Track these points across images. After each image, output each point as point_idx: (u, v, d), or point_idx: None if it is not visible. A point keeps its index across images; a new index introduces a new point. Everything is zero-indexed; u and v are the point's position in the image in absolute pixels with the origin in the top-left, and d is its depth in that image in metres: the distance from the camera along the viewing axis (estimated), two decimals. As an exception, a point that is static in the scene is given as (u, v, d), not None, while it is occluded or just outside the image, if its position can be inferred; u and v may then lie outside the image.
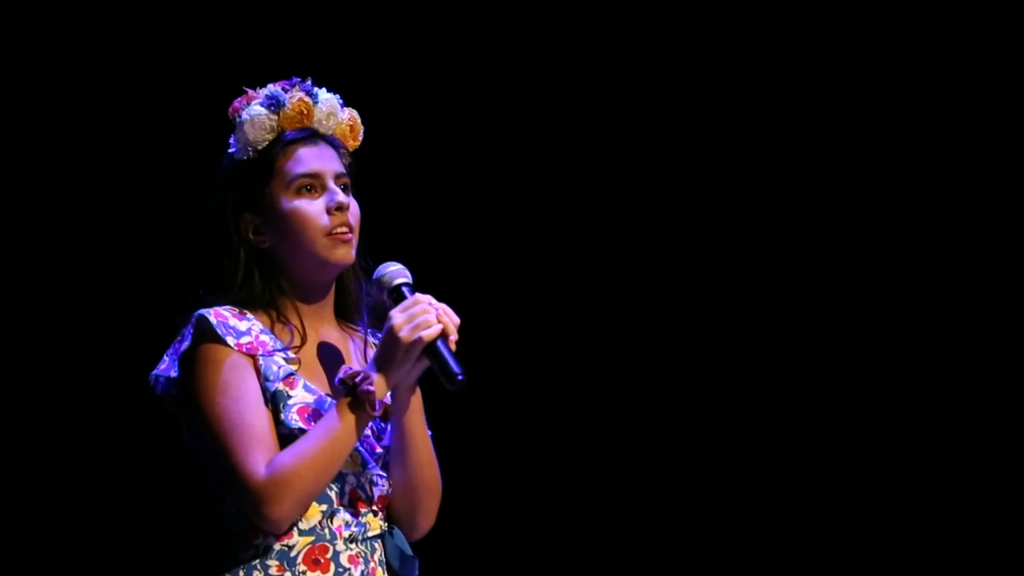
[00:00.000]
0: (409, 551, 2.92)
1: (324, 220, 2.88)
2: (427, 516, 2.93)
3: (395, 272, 2.87)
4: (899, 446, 4.82)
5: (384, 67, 4.71)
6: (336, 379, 2.80)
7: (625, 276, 4.93)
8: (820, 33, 4.83)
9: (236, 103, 2.98)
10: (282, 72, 4.51)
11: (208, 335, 2.81)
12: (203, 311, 2.84)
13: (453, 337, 2.78)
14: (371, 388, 2.75)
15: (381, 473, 2.90)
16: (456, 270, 4.24)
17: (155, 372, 2.88)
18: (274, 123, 2.93)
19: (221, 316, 2.84)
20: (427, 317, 2.77)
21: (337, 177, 2.92)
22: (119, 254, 4.52)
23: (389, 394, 2.82)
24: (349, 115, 3.01)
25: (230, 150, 2.96)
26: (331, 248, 2.88)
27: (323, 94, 2.98)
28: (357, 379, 2.76)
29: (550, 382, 4.90)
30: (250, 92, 2.99)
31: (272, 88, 2.97)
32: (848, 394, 4.86)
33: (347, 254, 2.90)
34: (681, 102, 4.91)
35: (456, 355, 2.76)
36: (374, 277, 2.88)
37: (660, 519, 4.91)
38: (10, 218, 4.41)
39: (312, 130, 2.95)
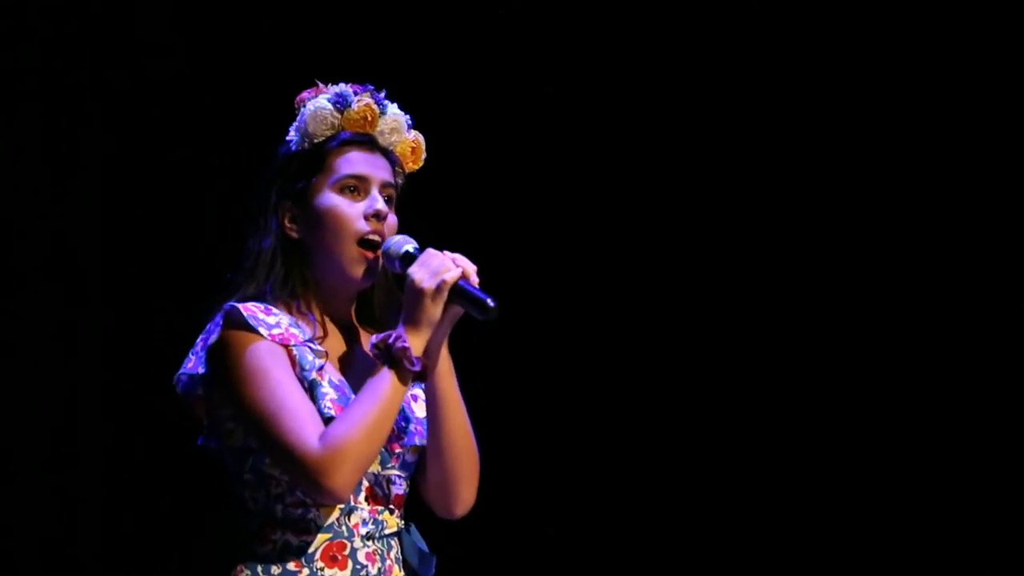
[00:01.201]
0: (426, 548, 2.93)
1: (360, 224, 2.89)
2: (469, 486, 2.93)
3: (400, 240, 2.89)
4: (899, 446, 4.84)
5: (386, 67, 4.71)
6: (370, 345, 2.80)
7: (627, 276, 4.94)
8: (820, 33, 4.85)
9: (304, 94, 2.98)
10: (282, 72, 4.53)
11: (239, 325, 2.81)
12: (233, 303, 2.83)
13: (474, 279, 2.81)
14: (406, 344, 2.76)
15: (400, 473, 2.91)
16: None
17: (179, 371, 2.88)
18: (336, 121, 2.93)
19: (250, 310, 2.84)
20: (445, 263, 2.79)
21: (383, 186, 2.93)
22: (119, 254, 4.51)
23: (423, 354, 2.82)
24: (414, 136, 3.02)
25: (287, 138, 2.96)
26: (356, 262, 2.89)
27: (392, 108, 2.99)
28: (391, 340, 2.77)
29: (551, 383, 4.92)
30: (320, 86, 2.98)
31: (343, 87, 2.97)
32: (848, 394, 4.87)
33: (369, 276, 2.91)
34: (683, 103, 4.93)
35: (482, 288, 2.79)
36: (382, 250, 2.89)
37: (661, 519, 4.92)
38: (10, 218, 4.41)
39: (371, 137, 2.96)
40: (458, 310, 2.82)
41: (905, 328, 4.86)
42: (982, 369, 4.81)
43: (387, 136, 2.98)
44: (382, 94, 2.99)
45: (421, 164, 3.04)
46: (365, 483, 2.86)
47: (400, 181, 2.99)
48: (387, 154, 2.97)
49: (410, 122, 3.01)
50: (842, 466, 4.86)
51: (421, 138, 3.03)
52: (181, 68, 4.56)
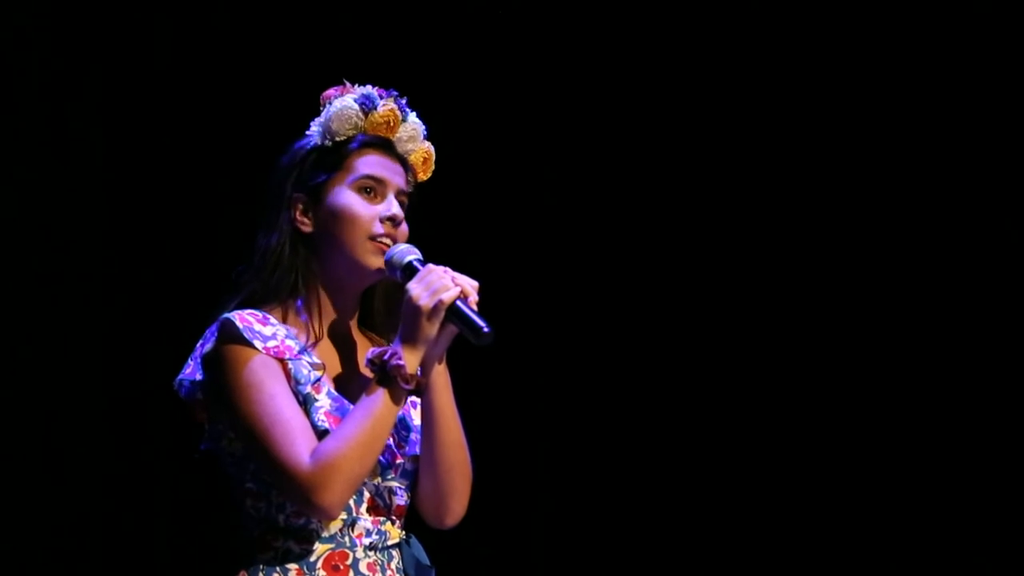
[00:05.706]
0: (426, 560, 2.92)
1: (374, 226, 2.89)
2: (461, 499, 2.92)
3: (404, 250, 2.88)
4: (899, 446, 4.85)
5: (389, 67, 4.70)
6: (366, 360, 2.80)
7: (627, 278, 4.95)
8: (820, 33, 4.86)
9: (331, 90, 2.98)
10: (282, 73, 4.54)
11: (234, 338, 2.81)
12: (228, 315, 2.83)
13: (473, 297, 2.80)
14: (401, 362, 2.76)
15: (400, 483, 2.91)
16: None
17: (179, 377, 2.88)
18: (360, 121, 2.94)
19: (246, 321, 2.84)
20: (444, 281, 2.78)
21: (399, 192, 2.94)
22: (119, 254, 4.51)
23: (419, 370, 2.81)
24: (428, 147, 3.02)
25: (308, 132, 2.96)
26: (369, 253, 2.89)
27: (413, 117, 2.99)
28: (386, 356, 2.77)
29: (547, 393, 4.92)
30: (347, 85, 2.99)
31: (370, 89, 2.97)
32: (848, 395, 4.88)
33: (379, 270, 2.90)
34: (683, 104, 4.93)
35: (480, 312, 2.78)
36: (385, 259, 2.89)
37: (659, 527, 4.93)
38: (10, 218, 4.40)
39: (390, 142, 2.96)
40: (455, 328, 2.81)
41: (905, 328, 4.86)
42: (982, 369, 4.82)
43: (405, 143, 2.98)
44: (404, 100, 2.99)
45: (429, 175, 3.04)
46: (366, 494, 2.86)
47: (411, 189, 2.99)
48: (403, 161, 2.98)
49: (426, 132, 3.02)
50: (842, 468, 4.87)
51: (432, 149, 3.03)
52: (182, 68, 4.56)
